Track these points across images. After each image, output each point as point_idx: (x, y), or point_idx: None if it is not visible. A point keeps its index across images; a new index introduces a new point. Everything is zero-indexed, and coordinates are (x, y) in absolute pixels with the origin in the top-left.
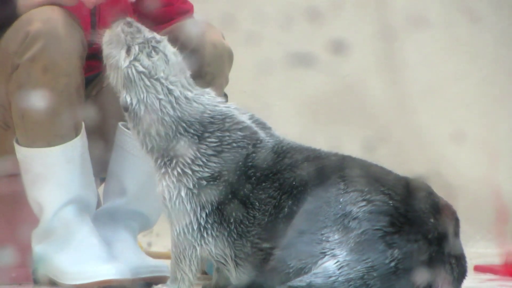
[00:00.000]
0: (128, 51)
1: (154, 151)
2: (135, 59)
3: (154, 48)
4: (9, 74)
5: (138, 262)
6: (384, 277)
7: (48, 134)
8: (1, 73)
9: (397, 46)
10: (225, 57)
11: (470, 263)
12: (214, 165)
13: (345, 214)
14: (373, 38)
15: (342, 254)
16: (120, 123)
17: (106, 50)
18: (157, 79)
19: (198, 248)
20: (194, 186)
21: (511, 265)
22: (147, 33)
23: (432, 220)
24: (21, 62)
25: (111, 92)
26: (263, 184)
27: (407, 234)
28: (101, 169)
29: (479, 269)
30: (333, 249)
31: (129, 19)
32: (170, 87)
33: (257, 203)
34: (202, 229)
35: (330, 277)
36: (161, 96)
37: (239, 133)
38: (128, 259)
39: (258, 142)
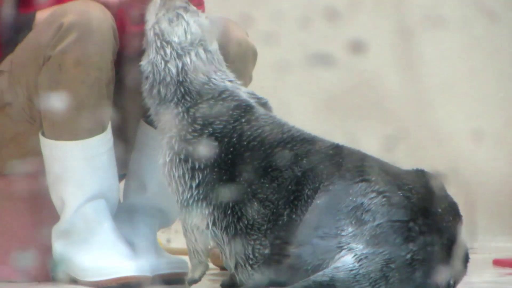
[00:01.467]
0: (157, 16)
1: (156, 114)
2: (157, 22)
3: (178, 15)
4: (40, 66)
5: (157, 259)
6: (402, 269)
7: (75, 128)
8: (32, 66)
9: (414, 43)
10: (249, 55)
11: (489, 257)
12: (199, 128)
13: (356, 206)
14: (391, 35)
15: (358, 248)
16: (142, 119)
17: (146, 17)
18: (168, 42)
19: (194, 219)
20: (181, 150)
21: None
22: (180, 2)
23: (440, 210)
24: (53, 54)
25: (132, 90)
26: (261, 181)
27: (421, 225)
28: (121, 166)
29: (498, 263)
30: (349, 243)
31: None
32: (180, 52)
33: (255, 204)
34: (196, 199)
35: (351, 270)
36: (168, 58)
37: (233, 103)
38: (147, 255)
39: (253, 119)
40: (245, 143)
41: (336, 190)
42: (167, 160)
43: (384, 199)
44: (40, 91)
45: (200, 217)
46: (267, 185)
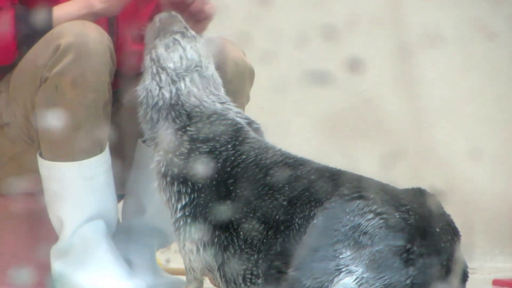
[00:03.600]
0: (154, 41)
1: (150, 139)
2: (153, 47)
3: (174, 40)
4: (37, 87)
5: (156, 279)
6: None
7: (73, 149)
8: (29, 86)
9: (413, 63)
10: (246, 75)
11: (489, 277)
12: (186, 151)
13: (354, 227)
14: (389, 55)
15: (358, 271)
16: (139, 140)
17: (145, 39)
18: (164, 68)
19: (185, 242)
20: (166, 173)
21: None
22: (178, 26)
23: (438, 230)
24: (50, 76)
25: (130, 110)
26: (245, 210)
27: (419, 247)
28: (119, 186)
29: (497, 283)
30: (347, 266)
31: (173, 12)
32: (175, 78)
33: (241, 234)
34: (181, 222)
35: None
36: (162, 85)
37: (220, 127)
38: (146, 276)
39: (238, 144)
40: (228, 169)
41: (333, 208)
42: (156, 184)
43: (381, 221)
44: (37, 112)
45: (189, 240)
46: (251, 215)
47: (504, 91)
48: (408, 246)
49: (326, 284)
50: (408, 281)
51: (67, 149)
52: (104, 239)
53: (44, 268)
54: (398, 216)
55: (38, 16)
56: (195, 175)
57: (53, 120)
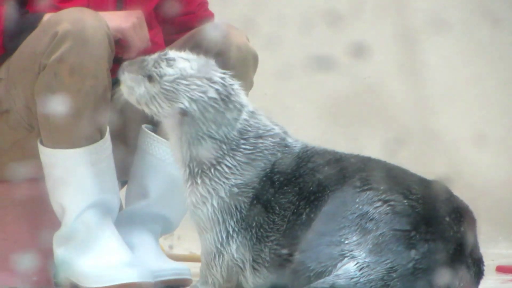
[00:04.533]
0: (150, 78)
1: (193, 156)
2: (160, 75)
3: (167, 58)
4: (36, 74)
5: (160, 265)
6: (404, 278)
7: (73, 135)
8: (28, 74)
9: (417, 48)
10: (250, 60)
11: (492, 263)
12: (247, 173)
13: (362, 214)
14: (394, 40)
15: (361, 256)
16: (143, 126)
17: (132, 98)
18: (192, 76)
19: (226, 256)
20: (226, 194)
21: None
22: (151, 56)
23: (448, 219)
24: (48, 63)
25: None
26: (285, 188)
27: (424, 233)
28: (122, 173)
29: (501, 269)
30: (351, 251)
31: (125, 62)
32: (214, 76)
33: (277, 208)
34: (229, 237)
35: (352, 278)
36: (207, 88)
37: (270, 139)
38: (150, 262)
39: (286, 148)
40: (277, 170)
41: (343, 197)
42: (215, 205)
43: (388, 208)
44: (36, 100)
45: (228, 252)
46: (289, 191)
47: (508, 76)
48: (413, 232)
49: (330, 268)
50: (410, 265)
51: (67, 136)
52: (107, 224)
53: (47, 254)
54: (406, 204)
55: (28, 19)
56: (251, 194)
57: (53, 107)
